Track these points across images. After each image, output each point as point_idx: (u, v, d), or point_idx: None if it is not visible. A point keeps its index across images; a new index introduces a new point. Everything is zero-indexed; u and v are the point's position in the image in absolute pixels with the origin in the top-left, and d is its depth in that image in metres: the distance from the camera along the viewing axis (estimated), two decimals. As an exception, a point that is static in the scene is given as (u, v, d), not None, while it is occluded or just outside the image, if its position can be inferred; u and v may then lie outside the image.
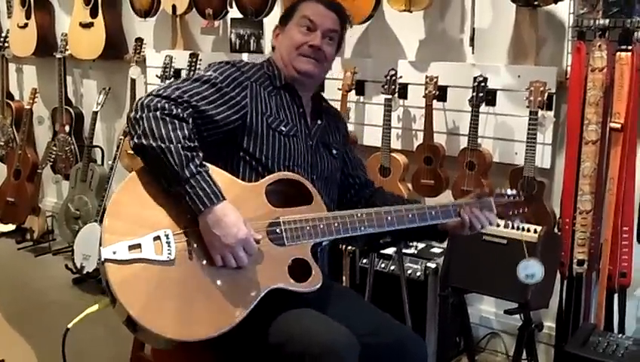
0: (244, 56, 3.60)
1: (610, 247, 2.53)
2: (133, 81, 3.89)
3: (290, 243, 1.66)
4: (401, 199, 2.01)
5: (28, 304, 3.46)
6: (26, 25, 4.30)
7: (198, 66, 3.59)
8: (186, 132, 1.62)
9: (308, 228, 1.68)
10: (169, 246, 1.56)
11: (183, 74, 3.66)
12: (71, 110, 4.25)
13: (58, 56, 4.16)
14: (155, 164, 1.61)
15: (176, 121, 1.62)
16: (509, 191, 1.93)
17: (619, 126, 2.45)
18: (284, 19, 1.91)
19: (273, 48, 1.98)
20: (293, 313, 1.63)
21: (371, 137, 3.17)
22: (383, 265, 2.81)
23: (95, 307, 1.73)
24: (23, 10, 4.29)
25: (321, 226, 1.69)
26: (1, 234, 4.54)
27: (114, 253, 1.52)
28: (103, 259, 1.51)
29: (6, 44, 4.43)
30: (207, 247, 1.59)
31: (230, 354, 1.69)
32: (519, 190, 1.97)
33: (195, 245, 1.59)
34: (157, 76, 3.77)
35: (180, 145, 1.59)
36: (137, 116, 1.63)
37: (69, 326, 1.74)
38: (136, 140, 1.62)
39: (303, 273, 1.65)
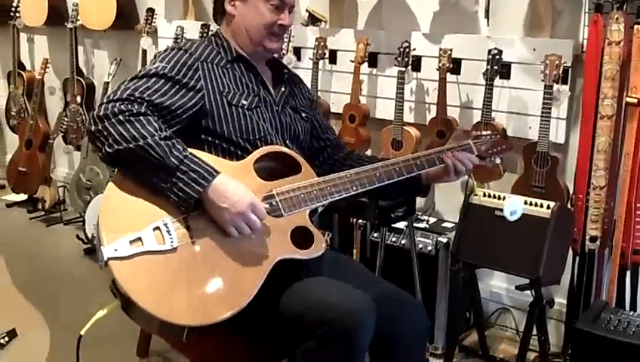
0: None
1: (623, 224, 2.50)
2: (144, 51, 3.87)
3: (288, 213, 1.67)
4: (376, 158, 2.01)
5: (40, 274, 3.49)
6: (37, -6, 4.27)
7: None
8: (155, 124, 1.59)
9: (302, 195, 1.70)
10: (170, 234, 1.55)
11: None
12: (82, 80, 4.24)
13: (69, 26, 4.14)
14: (137, 165, 1.58)
15: (141, 118, 1.59)
16: (484, 132, 1.96)
17: (635, 100, 2.40)
18: None
19: (220, 16, 1.88)
20: (305, 282, 1.64)
21: (384, 110, 3.14)
22: (393, 239, 2.80)
23: (103, 311, 1.72)
24: (34, -20, 4.27)
25: (315, 192, 1.71)
26: (13, 203, 4.58)
27: (115, 250, 1.50)
28: (105, 259, 1.50)
29: (17, 14, 4.41)
30: (218, 223, 1.58)
31: (247, 333, 1.69)
32: (496, 133, 1.99)
33: (196, 228, 1.58)
34: (168, 46, 3.73)
35: (155, 137, 1.56)
36: (100, 128, 1.59)
37: (82, 332, 1.73)
38: (108, 150, 1.57)
39: (304, 240, 1.66)
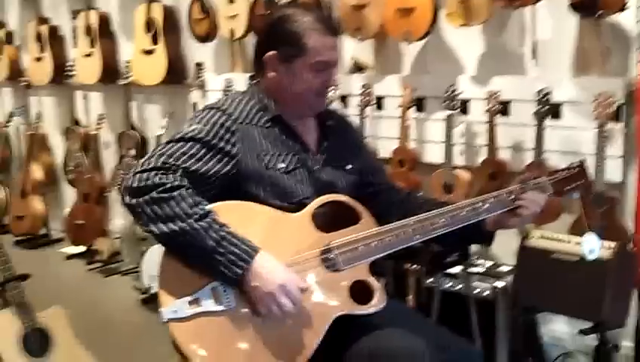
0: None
1: (688, 263, 2.42)
2: (194, 104, 3.96)
3: (345, 267, 1.64)
4: (436, 201, 1.88)
5: (98, 324, 3.54)
6: (91, 53, 4.45)
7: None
8: (190, 199, 1.56)
9: (361, 247, 1.65)
10: (226, 293, 1.55)
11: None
12: (136, 134, 4.36)
13: (122, 82, 4.29)
14: (175, 248, 1.57)
15: (175, 193, 1.55)
16: (561, 166, 1.84)
17: (693, 136, 2.36)
18: (287, 54, 1.71)
19: (260, 73, 1.79)
20: (366, 330, 1.61)
21: (433, 154, 3.14)
22: (449, 284, 2.77)
23: None
24: (88, 40, 4.44)
25: (375, 243, 1.65)
26: (71, 255, 4.68)
27: (174, 311, 1.52)
28: (165, 320, 1.52)
29: (72, 72, 4.60)
30: (252, 300, 1.56)
31: None
32: (575, 165, 1.84)
33: None
34: (207, 106, 3.82)
35: (191, 219, 1.53)
36: (134, 203, 1.57)
37: None
38: (144, 228, 1.57)
39: (363, 293, 1.63)
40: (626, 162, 2.67)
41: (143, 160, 1.64)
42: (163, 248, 1.62)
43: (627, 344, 2.69)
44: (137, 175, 1.59)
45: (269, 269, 1.55)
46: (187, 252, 1.56)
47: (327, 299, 1.61)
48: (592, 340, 2.42)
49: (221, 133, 1.67)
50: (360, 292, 1.64)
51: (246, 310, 1.56)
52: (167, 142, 1.66)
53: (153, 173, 1.58)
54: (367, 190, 1.90)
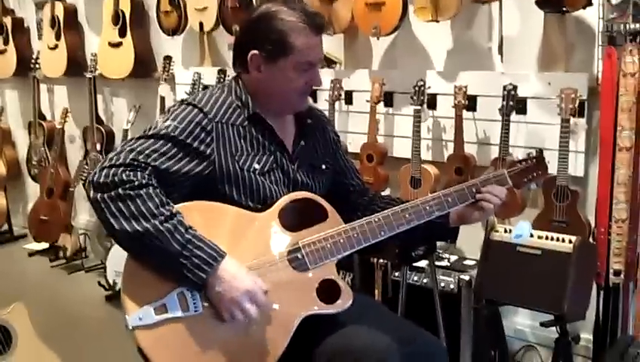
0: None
1: (647, 256, 2.47)
2: (162, 98, 3.93)
3: (314, 266, 1.63)
4: (400, 200, 1.90)
5: (61, 321, 3.49)
6: (56, 46, 4.38)
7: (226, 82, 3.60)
8: (157, 199, 1.52)
9: (329, 246, 1.64)
10: (194, 299, 1.53)
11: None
12: (102, 128, 4.31)
13: (88, 75, 4.22)
14: (138, 249, 1.53)
15: (142, 191, 1.51)
16: (519, 157, 1.85)
17: (654, 132, 2.40)
18: (271, 53, 1.68)
19: (241, 69, 1.75)
20: (331, 329, 1.61)
21: (401, 149, 3.15)
22: (415, 278, 2.78)
23: None
24: (53, 32, 4.37)
25: (341, 241, 1.65)
26: (34, 252, 4.61)
27: (140, 319, 1.49)
28: (131, 328, 1.49)
29: (37, 66, 4.52)
30: (215, 306, 1.54)
31: None
32: (533, 156, 1.85)
33: None
34: (186, 93, 3.80)
35: (156, 220, 1.49)
36: (98, 198, 1.52)
37: None
38: (107, 225, 1.52)
39: (331, 292, 1.62)
40: (588, 157, 2.71)
41: (111, 154, 1.59)
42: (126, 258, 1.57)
43: (586, 336, 2.73)
44: (104, 170, 1.54)
45: (233, 275, 1.53)
46: (150, 254, 1.52)
47: (295, 299, 1.60)
48: (552, 332, 2.45)
49: (196, 132, 1.63)
50: (327, 290, 1.63)
51: (214, 315, 1.54)
52: (139, 138, 1.62)
53: (121, 169, 1.54)
54: (339, 190, 1.90)
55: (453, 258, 2.89)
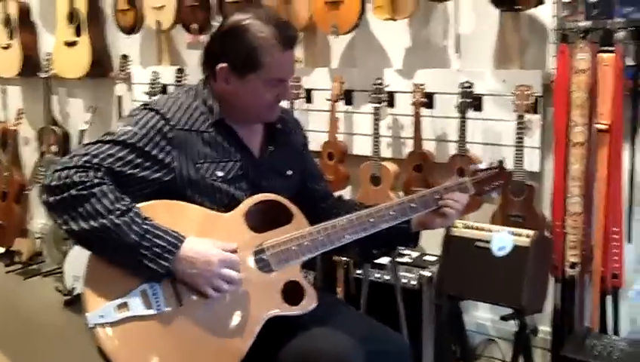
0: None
1: (601, 249, 2.53)
2: (119, 98, 3.87)
3: (278, 268, 1.62)
4: (363, 205, 1.87)
5: (18, 327, 3.42)
6: (9, 45, 4.28)
7: (185, 81, 3.58)
8: (111, 195, 1.51)
9: (293, 247, 1.63)
10: (157, 297, 1.52)
11: (170, 90, 3.64)
12: (57, 130, 4.23)
13: (43, 75, 4.14)
14: (96, 246, 1.52)
15: (95, 189, 1.50)
16: (481, 166, 1.87)
17: (604, 127, 2.45)
18: (241, 68, 1.64)
19: (209, 77, 1.72)
20: (294, 330, 1.61)
21: (361, 147, 3.16)
22: (377, 275, 2.79)
23: None
24: (6, 31, 4.27)
25: (306, 243, 1.64)
26: (-10, 257, 4.50)
27: (101, 316, 1.48)
28: (91, 326, 1.47)
29: (-10, 65, 4.42)
30: (195, 288, 1.54)
31: None
32: (495, 165, 1.87)
33: (183, 290, 1.55)
34: (144, 92, 3.75)
35: (112, 216, 1.48)
36: (50, 201, 1.51)
37: None
38: (64, 227, 1.51)
39: (295, 293, 1.62)
40: (543, 152, 2.77)
41: (65, 158, 1.58)
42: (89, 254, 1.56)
43: (545, 328, 2.79)
44: (57, 173, 1.53)
45: (200, 251, 1.53)
46: (110, 249, 1.51)
47: (259, 300, 1.59)
48: (512, 326, 2.49)
49: (156, 140, 1.60)
50: (291, 292, 1.63)
51: (176, 314, 1.52)
52: (95, 142, 1.59)
53: (73, 170, 1.52)
54: (305, 194, 1.89)
55: (415, 254, 2.91)
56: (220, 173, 1.67)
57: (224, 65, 1.66)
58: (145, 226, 1.51)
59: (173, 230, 1.54)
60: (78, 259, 3.64)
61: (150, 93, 3.69)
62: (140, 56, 4.00)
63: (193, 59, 3.82)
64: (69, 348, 3.00)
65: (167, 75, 3.69)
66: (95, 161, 1.54)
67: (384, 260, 2.77)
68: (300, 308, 1.61)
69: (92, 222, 1.49)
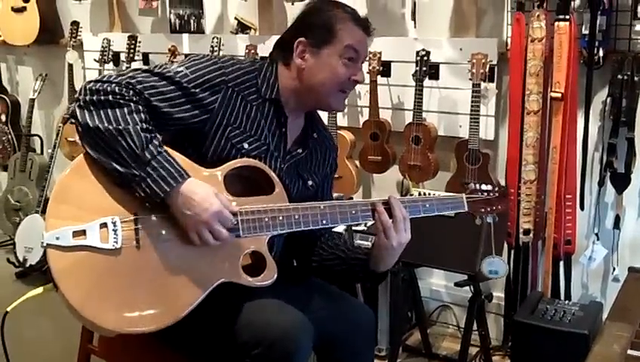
0: (185, 37, 3.51)
1: (554, 216, 2.57)
2: (70, 66, 3.76)
3: (246, 235, 1.58)
4: (360, 248, 1.85)
5: (-32, 301, 3.33)
6: (-47, 11, 4.11)
7: (137, 49, 3.49)
8: (142, 115, 1.52)
9: (266, 219, 1.60)
10: (115, 234, 1.49)
11: (122, 57, 3.55)
12: (6, 98, 4.11)
13: (-11, 42, 4.00)
14: (111, 149, 1.50)
15: (132, 104, 1.52)
16: (483, 187, 1.84)
17: (559, 95, 2.47)
18: (318, 40, 1.66)
19: (282, 57, 1.71)
20: (243, 299, 1.59)
21: (317, 115, 3.13)
22: (333, 244, 2.79)
23: (39, 290, 1.66)
24: (-50, -4, 4.10)
25: (280, 218, 1.60)
26: (-63, 230, 4.36)
27: (57, 238, 1.46)
28: (45, 244, 1.46)
29: None
30: (182, 228, 1.52)
31: (183, 348, 1.65)
32: (497, 190, 1.83)
33: (144, 233, 1.52)
34: (95, 60, 3.65)
35: (138, 126, 1.50)
36: (87, 98, 1.52)
37: (9, 309, 1.67)
38: (89, 122, 1.51)
39: (256, 264, 1.59)
40: (498, 121, 2.78)
41: (111, 73, 1.59)
42: (70, 165, 1.54)
43: (498, 294, 2.84)
44: (100, 82, 1.54)
45: (201, 196, 1.51)
46: (117, 155, 1.49)
47: (218, 262, 1.55)
48: (467, 292, 2.52)
49: (204, 86, 1.60)
50: (254, 262, 1.59)
51: (130, 256, 1.50)
52: (145, 71, 1.59)
53: (115, 85, 1.53)
54: None
55: (370, 222, 2.90)
56: (246, 146, 1.66)
57: (302, 39, 1.67)
58: (160, 150, 1.51)
59: (182, 166, 1.53)
60: (29, 230, 3.57)
61: (101, 61, 3.59)
62: (90, 22, 3.89)
63: (146, 26, 3.73)
64: (21, 321, 2.94)
65: (119, 42, 3.59)
66: (138, 86, 1.55)
67: (340, 228, 2.77)
68: (255, 280, 1.57)
69: (114, 125, 1.49)
